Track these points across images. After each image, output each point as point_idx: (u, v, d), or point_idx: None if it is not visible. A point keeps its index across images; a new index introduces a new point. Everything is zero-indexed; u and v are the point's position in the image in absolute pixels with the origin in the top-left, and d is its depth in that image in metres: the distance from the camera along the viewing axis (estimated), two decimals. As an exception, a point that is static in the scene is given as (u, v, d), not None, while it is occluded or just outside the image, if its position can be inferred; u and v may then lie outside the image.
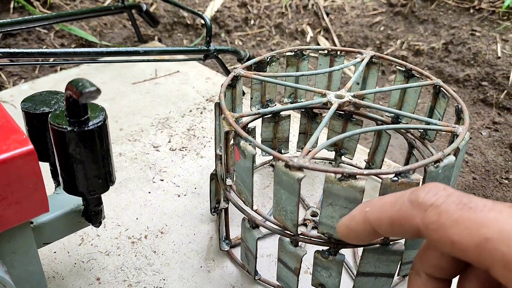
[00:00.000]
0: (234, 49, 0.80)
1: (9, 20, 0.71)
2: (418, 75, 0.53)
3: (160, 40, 1.06)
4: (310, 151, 0.38)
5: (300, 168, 0.36)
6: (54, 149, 0.36)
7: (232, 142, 0.44)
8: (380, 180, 0.43)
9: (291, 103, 0.61)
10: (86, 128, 0.34)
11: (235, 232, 0.54)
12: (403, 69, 0.54)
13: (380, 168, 0.61)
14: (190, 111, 0.78)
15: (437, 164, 0.38)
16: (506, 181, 0.70)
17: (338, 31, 1.09)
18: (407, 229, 0.26)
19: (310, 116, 0.62)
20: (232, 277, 0.50)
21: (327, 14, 1.13)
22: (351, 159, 0.64)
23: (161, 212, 0.58)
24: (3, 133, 0.32)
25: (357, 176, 0.36)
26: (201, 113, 0.78)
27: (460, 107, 0.47)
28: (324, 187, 0.37)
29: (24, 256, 0.38)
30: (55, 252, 0.52)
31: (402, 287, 0.50)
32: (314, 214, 0.57)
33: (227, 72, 0.83)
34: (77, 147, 0.35)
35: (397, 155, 0.75)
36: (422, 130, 0.54)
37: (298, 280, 0.44)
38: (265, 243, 0.54)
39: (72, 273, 0.50)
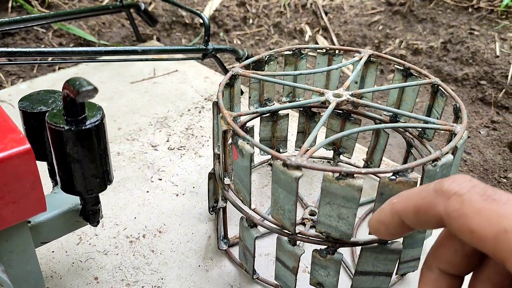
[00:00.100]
0: (232, 48, 0.80)
1: (7, 19, 0.71)
2: (416, 74, 0.53)
3: (158, 39, 1.06)
4: (308, 150, 0.38)
5: (297, 167, 0.36)
6: (52, 148, 0.36)
7: (230, 141, 0.44)
8: (378, 179, 0.43)
9: (289, 102, 0.61)
10: (83, 127, 0.34)
11: (233, 231, 0.54)
12: (401, 68, 0.54)
13: (379, 167, 0.61)
14: (189, 110, 0.78)
15: (435, 163, 0.38)
16: (505, 180, 0.70)
17: (337, 30, 1.09)
18: (430, 217, 0.27)
19: (309, 115, 0.62)
20: (230, 276, 0.50)
21: (326, 13, 1.13)
22: (350, 158, 0.64)
23: (159, 212, 0.58)
24: (0, 132, 0.32)
25: (354, 175, 0.36)
26: (200, 112, 0.78)
27: (458, 105, 0.47)
28: (322, 186, 0.37)
29: (22, 255, 0.38)
30: (53, 252, 0.52)
31: (400, 286, 0.50)
32: (312, 213, 0.57)
33: (225, 71, 0.83)
34: (75, 146, 0.35)
35: (396, 154, 0.75)
36: (420, 129, 0.54)
37: (296, 279, 0.44)
38: (263, 242, 0.54)
39: (70, 272, 0.50)
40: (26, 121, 0.39)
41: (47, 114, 0.35)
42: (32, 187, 0.33)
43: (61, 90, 0.35)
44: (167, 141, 0.71)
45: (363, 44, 1.06)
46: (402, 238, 0.42)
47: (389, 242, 0.41)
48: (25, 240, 0.38)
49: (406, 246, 0.43)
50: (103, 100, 0.80)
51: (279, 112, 0.60)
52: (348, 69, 0.96)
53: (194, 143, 0.71)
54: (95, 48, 0.69)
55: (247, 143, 0.39)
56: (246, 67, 0.53)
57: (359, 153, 0.68)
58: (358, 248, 0.49)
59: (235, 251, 0.52)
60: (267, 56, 0.55)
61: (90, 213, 0.42)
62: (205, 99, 0.82)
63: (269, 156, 0.66)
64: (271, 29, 1.11)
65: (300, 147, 0.66)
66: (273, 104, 0.60)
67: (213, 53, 0.77)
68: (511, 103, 0.86)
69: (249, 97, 0.58)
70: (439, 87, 0.50)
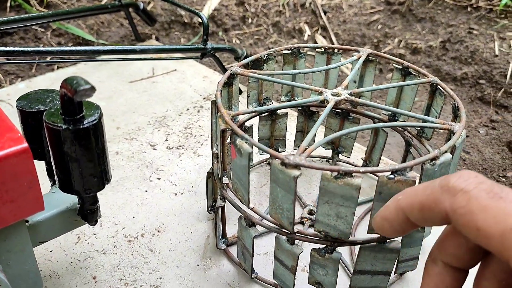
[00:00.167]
0: (231, 47, 0.80)
1: (5, 18, 0.71)
2: (415, 73, 0.53)
3: (157, 39, 1.06)
4: (306, 149, 0.38)
5: (296, 166, 0.36)
6: (49, 147, 0.36)
7: (228, 140, 0.44)
8: (377, 178, 0.43)
9: (288, 101, 0.61)
10: (81, 126, 0.34)
11: (232, 230, 0.54)
12: (400, 67, 0.54)
13: (378, 166, 0.61)
14: (187, 109, 0.78)
15: (433, 161, 0.38)
16: (504, 179, 0.70)
17: (336, 29, 1.09)
18: (436, 214, 0.26)
19: (307, 114, 0.62)
20: (229, 276, 0.50)
21: (325, 13, 1.13)
22: (348, 157, 0.64)
23: (158, 211, 0.58)
24: (-3, 131, 0.32)
25: (353, 174, 0.36)
26: (198, 111, 0.78)
27: (456, 104, 0.46)
28: (320, 185, 0.37)
29: (20, 255, 0.38)
30: (51, 251, 0.52)
31: (399, 285, 0.50)
32: (311, 212, 0.57)
33: (224, 70, 0.83)
34: (72, 145, 0.35)
35: (394, 153, 0.75)
36: (419, 128, 0.54)
37: (294, 278, 0.44)
38: (261, 241, 0.54)
39: (68, 272, 0.50)
40: (24, 120, 0.39)
41: (44, 113, 0.35)
42: (29, 186, 0.33)
43: (59, 89, 0.35)
44: (166, 140, 0.71)
45: (362, 43, 1.06)
46: (400, 237, 0.42)
47: (387, 241, 0.41)
48: (23, 239, 0.38)
49: (405, 245, 0.43)
50: (102, 99, 0.80)
51: (278, 111, 0.60)
52: (347, 68, 0.96)
53: (193, 142, 0.71)
54: (93, 48, 0.69)
55: (246, 142, 0.39)
56: (245, 66, 0.53)
57: (358, 152, 0.68)
58: (357, 247, 0.49)
59: (233, 250, 0.52)
60: (266, 55, 0.55)
61: (88, 212, 0.42)
62: (204, 98, 0.82)
63: (268, 155, 0.66)
64: (270, 29, 1.11)
65: (299, 146, 0.66)
66: (272, 103, 0.60)
67: (212, 52, 0.77)
68: (510, 102, 0.86)
69: (248, 96, 0.58)
70: (438, 86, 0.50)
